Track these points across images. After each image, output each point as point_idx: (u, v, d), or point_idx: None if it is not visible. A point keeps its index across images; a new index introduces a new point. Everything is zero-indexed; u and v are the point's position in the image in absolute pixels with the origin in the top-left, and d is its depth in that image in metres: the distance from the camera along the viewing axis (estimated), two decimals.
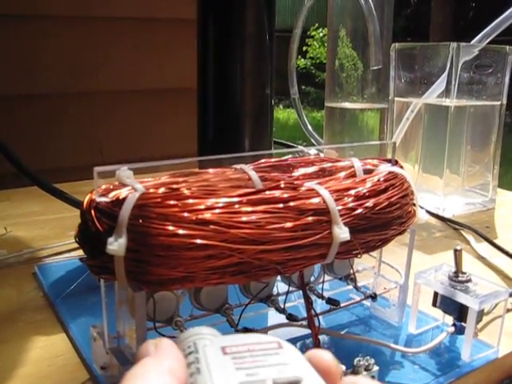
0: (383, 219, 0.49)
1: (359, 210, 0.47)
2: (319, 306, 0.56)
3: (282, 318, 0.51)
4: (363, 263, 0.61)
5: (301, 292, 0.51)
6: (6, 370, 0.50)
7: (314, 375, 0.23)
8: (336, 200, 0.46)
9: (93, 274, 0.42)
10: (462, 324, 0.52)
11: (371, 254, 0.61)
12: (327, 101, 1.27)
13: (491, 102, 1.04)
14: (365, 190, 0.48)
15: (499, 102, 1.05)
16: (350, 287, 0.57)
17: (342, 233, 0.45)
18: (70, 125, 1.38)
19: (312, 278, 0.55)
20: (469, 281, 0.53)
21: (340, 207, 0.46)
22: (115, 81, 1.42)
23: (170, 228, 0.39)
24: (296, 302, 0.55)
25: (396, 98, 1.10)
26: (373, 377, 0.46)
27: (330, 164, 0.56)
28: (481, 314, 0.52)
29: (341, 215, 0.46)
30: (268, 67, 1.10)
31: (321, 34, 7.58)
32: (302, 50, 7.70)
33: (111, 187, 0.43)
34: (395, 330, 0.57)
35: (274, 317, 0.53)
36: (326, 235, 0.45)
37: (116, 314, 0.45)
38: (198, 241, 0.39)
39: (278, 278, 0.52)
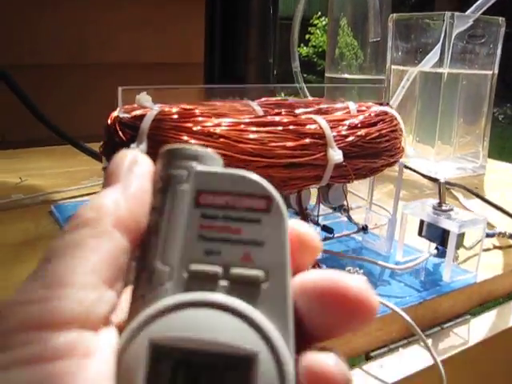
0: (374, 149, 0.54)
1: (352, 138, 0.52)
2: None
3: None
4: (356, 202, 0.66)
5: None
6: None
7: (283, 273, 0.20)
8: (331, 128, 0.51)
9: None
10: (444, 249, 0.57)
11: (362, 196, 0.67)
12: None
13: (483, 71, 1.09)
14: (357, 121, 0.54)
15: (491, 72, 1.10)
16: (344, 219, 0.63)
17: (336, 155, 0.50)
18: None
19: (309, 208, 0.60)
20: (451, 210, 0.58)
21: (335, 133, 0.51)
22: (124, 54, 1.46)
23: (185, 138, 0.44)
24: None
25: (393, 66, 1.15)
26: None
27: (327, 105, 0.61)
28: (461, 239, 0.57)
29: (335, 141, 0.51)
30: (271, 39, 1.15)
31: (323, 23, 7.61)
32: (304, 39, 7.74)
33: (131, 108, 0.49)
34: (384, 259, 0.62)
35: None
36: (322, 157, 0.50)
37: None
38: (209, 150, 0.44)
39: None
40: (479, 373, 0.57)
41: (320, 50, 7.84)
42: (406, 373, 0.48)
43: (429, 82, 1.11)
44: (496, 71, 1.10)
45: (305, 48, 7.87)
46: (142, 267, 0.20)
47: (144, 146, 0.43)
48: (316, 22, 7.96)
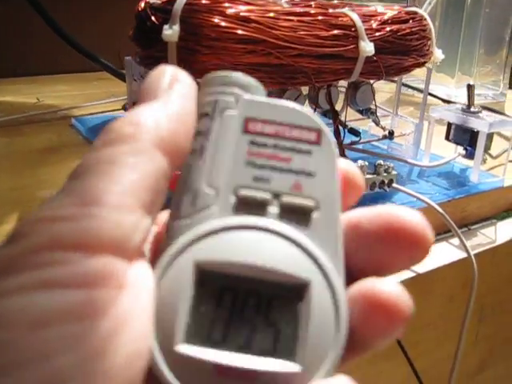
0: (404, 46, 0.53)
1: (382, 32, 0.51)
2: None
3: None
4: (382, 111, 0.66)
5: None
6: (58, 178, 0.56)
7: (333, 204, 0.19)
8: (363, 22, 0.50)
9: (144, 67, 0.46)
10: (473, 150, 0.57)
11: (387, 108, 0.66)
12: None
13: None
14: (387, 17, 0.53)
15: None
16: (371, 125, 0.62)
17: (367, 46, 0.49)
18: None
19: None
20: (480, 112, 0.57)
21: (366, 27, 0.50)
22: None
23: (216, 20, 0.43)
24: None
25: None
26: (391, 180, 0.51)
27: (356, 7, 0.60)
28: (489, 141, 0.56)
29: (366, 34, 0.50)
30: None
31: None
32: None
33: None
34: (410, 166, 0.62)
35: None
36: (353, 49, 0.49)
37: None
38: (240, 32, 0.43)
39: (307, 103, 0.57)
40: (506, 271, 0.57)
41: None
42: (439, 264, 0.48)
43: (451, 7, 1.08)
44: None
45: None
46: (183, 190, 0.19)
47: (177, 27, 0.42)
48: None
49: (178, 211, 0.18)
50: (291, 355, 0.17)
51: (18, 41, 1.09)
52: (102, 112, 0.84)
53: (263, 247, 0.18)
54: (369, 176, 0.49)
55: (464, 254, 0.48)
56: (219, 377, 0.16)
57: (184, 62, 0.44)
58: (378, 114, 0.65)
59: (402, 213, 0.19)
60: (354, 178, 0.20)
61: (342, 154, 0.52)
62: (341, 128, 0.59)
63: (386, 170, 0.50)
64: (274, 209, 0.18)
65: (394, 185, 0.51)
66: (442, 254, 0.50)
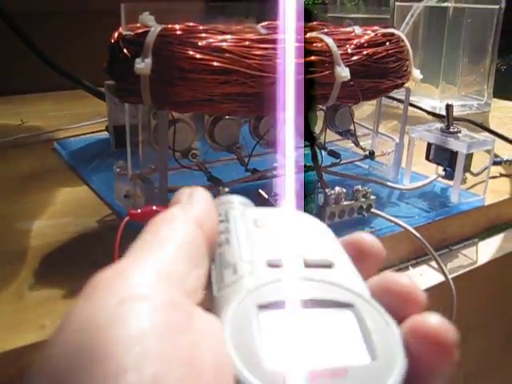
0: (381, 69, 0.53)
1: (358, 56, 0.51)
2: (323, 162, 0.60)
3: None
4: (363, 129, 0.66)
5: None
6: (37, 208, 0.56)
7: (345, 258, 0.23)
8: (338, 46, 0.50)
9: (119, 99, 0.46)
10: (453, 170, 0.57)
11: (368, 125, 0.66)
12: None
13: (490, 6, 1.07)
14: (363, 41, 0.53)
15: (498, 6, 1.07)
16: (351, 146, 0.62)
17: (343, 72, 0.49)
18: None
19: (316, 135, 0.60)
20: (459, 132, 0.57)
21: (341, 52, 0.50)
22: None
23: (190, 52, 0.43)
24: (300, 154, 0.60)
25: (397, 3, 1.13)
26: (370, 205, 0.51)
27: (333, 29, 0.60)
28: (469, 161, 0.56)
29: (342, 59, 0.50)
30: None
31: None
32: None
33: (135, 27, 0.48)
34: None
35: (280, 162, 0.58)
36: (329, 75, 0.49)
37: (139, 145, 0.50)
38: (215, 63, 0.43)
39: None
40: (488, 293, 0.57)
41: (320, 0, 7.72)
42: None
43: (433, 18, 1.09)
44: (503, 5, 1.08)
45: None
46: (221, 268, 0.22)
47: (149, 60, 0.42)
48: None
49: (222, 282, 0.21)
50: (365, 352, 0.18)
51: (1, 59, 1.09)
52: (87, 133, 0.84)
53: (304, 285, 0.20)
54: (347, 202, 0.49)
55: (442, 278, 0.48)
56: (313, 381, 0.17)
57: (158, 95, 0.44)
58: (358, 134, 0.65)
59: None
60: (371, 247, 0.24)
61: (320, 178, 0.52)
62: (321, 150, 0.59)
63: (364, 196, 0.50)
64: (302, 265, 0.21)
65: (373, 210, 0.51)
66: (422, 278, 0.50)
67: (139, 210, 0.29)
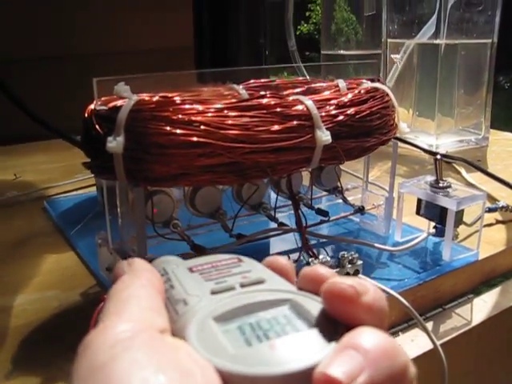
0: (365, 127, 0.52)
1: (341, 117, 0.50)
2: (311, 220, 0.59)
3: (274, 226, 0.55)
4: (352, 182, 0.65)
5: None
6: (21, 280, 0.55)
7: (274, 276, 0.27)
8: (319, 108, 0.49)
9: (94, 175, 0.45)
10: (443, 227, 0.55)
11: (358, 175, 0.65)
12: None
13: (482, 40, 1.06)
14: (346, 100, 0.52)
15: (490, 40, 1.07)
16: (339, 201, 0.61)
17: (324, 136, 0.48)
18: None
19: (302, 193, 0.59)
20: (449, 187, 0.56)
21: (323, 113, 0.49)
22: (116, 42, 1.44)
23: (165, 128, 0.42)
24: (288, 213, 0.59)
25: (389, 40, 1.13)
26: (357, 270, 0.50)
27: (315, 84, 0.59)
28: (460, 216, 0.55)
29: (323, 121, 0.49)
30: (261, 18, 1.13)
31: None
32: (304, 16, 7.66)
33: (109, 99, 0.47)
34: (382, 240, 0.61)
35: (266, 225, 0.57)
36: (310, 139, 0.48)
37: (118, 219, 0.49)
38: (194, 138, 0.42)
39: (270, 190, 0.56)
40: (482, 354, 0.55)
41: (321, 26, 7.76)
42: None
43: (426, 54, 1.08)
44: (496, 39, 1.07)
45: (305, 25, 7.79)
46: (172, 304, 0.25)
47: (121, 138, 0.41)
48: None
49: (177, 315, 0.24)
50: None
51: None
52: (79, 189, 0.84)
53: (247, 296, 0.25)
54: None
55: (432, 345, 0.47)
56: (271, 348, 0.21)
57: (132, 172, 0.43)
58: (348, 186, 0.64)
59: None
60: (284, 268, 0.28)
61: (304, 245, 0.51)
62: (308, 210, 0.58)
63: (350, 261, 0.49)
64: (239, 287, 0.26)
65: (360, 275, 0.49)
66: (413, 345, 0.48)
67: None
